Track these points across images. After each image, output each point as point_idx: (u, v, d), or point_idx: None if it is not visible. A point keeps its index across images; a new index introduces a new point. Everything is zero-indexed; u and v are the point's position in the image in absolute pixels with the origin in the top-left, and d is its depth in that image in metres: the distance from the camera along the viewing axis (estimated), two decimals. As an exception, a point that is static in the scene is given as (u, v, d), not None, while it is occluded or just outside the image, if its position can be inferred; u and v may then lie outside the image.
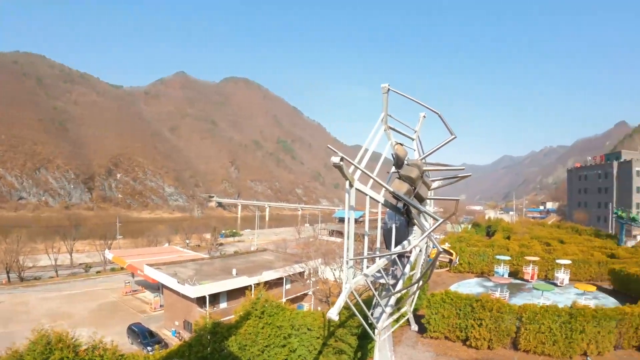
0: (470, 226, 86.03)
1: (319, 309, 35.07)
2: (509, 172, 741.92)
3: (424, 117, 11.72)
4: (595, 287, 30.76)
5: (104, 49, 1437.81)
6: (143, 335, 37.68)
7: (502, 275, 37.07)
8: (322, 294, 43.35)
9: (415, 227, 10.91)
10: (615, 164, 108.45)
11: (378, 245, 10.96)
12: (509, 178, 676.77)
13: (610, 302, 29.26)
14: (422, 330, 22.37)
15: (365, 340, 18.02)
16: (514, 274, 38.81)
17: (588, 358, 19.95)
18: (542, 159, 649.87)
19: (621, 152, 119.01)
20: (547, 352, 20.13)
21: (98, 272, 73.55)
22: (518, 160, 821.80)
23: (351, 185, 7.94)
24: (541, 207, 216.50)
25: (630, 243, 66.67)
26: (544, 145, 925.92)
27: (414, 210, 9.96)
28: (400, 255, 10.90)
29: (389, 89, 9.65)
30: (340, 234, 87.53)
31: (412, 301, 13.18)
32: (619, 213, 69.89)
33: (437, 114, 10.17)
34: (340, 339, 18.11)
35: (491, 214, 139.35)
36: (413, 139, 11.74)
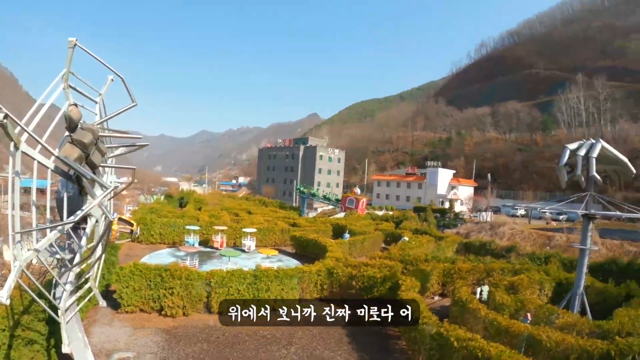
0: (162, 197, 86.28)
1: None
2: (206, 147, 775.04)
3: (112, 80, 11.34)
4: (277, 252, 35.30)
5: None
6: None
7: (193, 245, 38.37)
8: (3, 278, 37.00)
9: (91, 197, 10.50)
10: (302, 147, 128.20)
11: (48, 216, 10.06)
12: (206, 152, 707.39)
13: (292, 263, 34.23)
14: (117, 306, 21.62)
15: (57, 325, 16.39)
16: (204, 242, 40.80)
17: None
18: (239, 137, 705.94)
19: (308, 139, 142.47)
20: (238, 311, 22.09)
21: None
22: (216, 136, 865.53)
23: (17, 148, 7.52)
24: (234, 181, 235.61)
25: (311, 214, 79.99)
26: (242, 125, 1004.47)
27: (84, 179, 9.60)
28: (76, 227, 10.75)
29: (75, 44, 9.02)
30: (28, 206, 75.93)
31: (96, 276, 12.76)
32: (302, 189, 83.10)
33: (122, 78, 10.41)
34: (28, 327, 15.72)
35: (185, 186, 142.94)
36: (97, 102, 11.29)
